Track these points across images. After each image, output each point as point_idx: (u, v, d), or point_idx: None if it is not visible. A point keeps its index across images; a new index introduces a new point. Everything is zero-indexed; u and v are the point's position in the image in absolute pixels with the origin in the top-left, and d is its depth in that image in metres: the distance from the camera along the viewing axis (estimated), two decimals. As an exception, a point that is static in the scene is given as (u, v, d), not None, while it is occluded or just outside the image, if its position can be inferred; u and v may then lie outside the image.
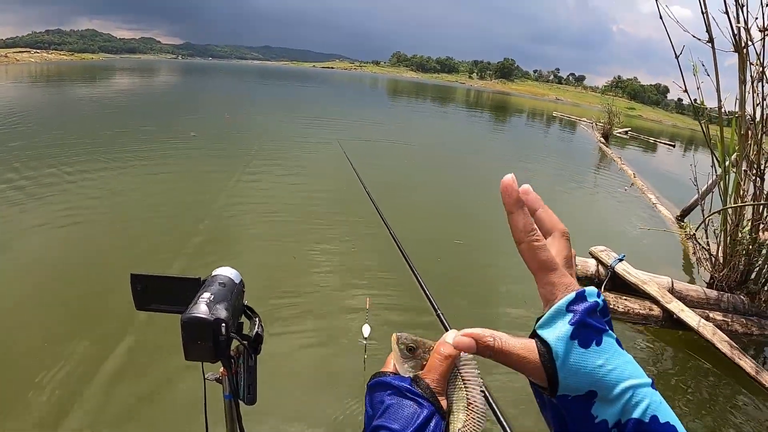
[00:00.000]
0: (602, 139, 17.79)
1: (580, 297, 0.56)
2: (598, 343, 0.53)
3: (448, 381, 0.63)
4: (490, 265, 5.90)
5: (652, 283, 4.85)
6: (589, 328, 0.54)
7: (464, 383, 0.63)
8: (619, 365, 0.52)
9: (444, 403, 0.61)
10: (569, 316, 0.55)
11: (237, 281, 1.70)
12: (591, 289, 0.57)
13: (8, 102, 16.46)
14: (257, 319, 1.72)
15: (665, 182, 11.48)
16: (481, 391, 0.62)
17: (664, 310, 4.67)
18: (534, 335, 0.58)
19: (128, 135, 11.13)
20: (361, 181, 3.19)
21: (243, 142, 11.80)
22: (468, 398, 0.62)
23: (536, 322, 0.59)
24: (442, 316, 1.84)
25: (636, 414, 0.51)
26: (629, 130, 23.11)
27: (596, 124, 20.52)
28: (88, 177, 7.63)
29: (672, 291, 4.88)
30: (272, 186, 8.11)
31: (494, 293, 5.16)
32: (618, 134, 20.98)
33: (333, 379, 3.62)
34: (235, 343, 1.74)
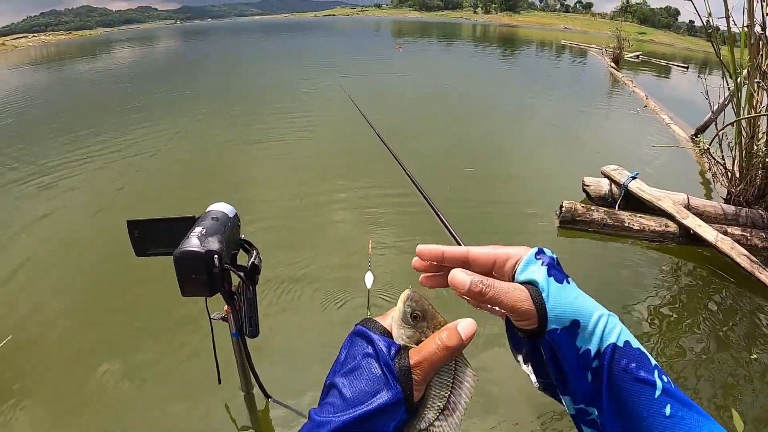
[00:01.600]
0: (613, 64, 17.29)
1: (541, 251, 0.60)
2: (568, 282, 0.58)
3: (438, 373, 0.56)
4: (503, 188, 5.81)
5: (667, 199, 4.74)
6: (557, 270, 0.58)
7: (452, 383, 0.56)
8: (589, 299, 0.58)
9: (418, 394, 0.54)
10: (539, 260, 0.59)
11: (231, 215, 1.68)
12: (545, 248, 0.61)
13: (10, 88, 16.42)
14: (255, 251, 1.71)
15: (679, 105, 11.12)
16: (467, 401, 0.55)
17: (681, 226, 4.56)
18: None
19: (129, 106, 11.11)
20: (364, 115, 3.10)
21: (248, 94, 11.81)
22: (448, 401, 0.55)
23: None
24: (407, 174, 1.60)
25: (612, 339, 0.55)
26: (640, 54, 22.49)
27: (606, 50, 20.00)
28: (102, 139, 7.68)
29: (688, 207, 4.76)
30: (280, 133, 8.06)
31: (513, 219, 5.10)
32: (629, 59, 20.43)
33: (337, 328, 3.52)
34: (236, 280, 1.75)
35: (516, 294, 0.56)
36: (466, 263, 0.62)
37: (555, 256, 0.60)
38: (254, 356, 2.05)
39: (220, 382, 2.02)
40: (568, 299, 0.56)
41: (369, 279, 3.53)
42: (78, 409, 2.75)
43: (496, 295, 0.56)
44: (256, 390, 2.22)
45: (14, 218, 5.31)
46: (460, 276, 0.57)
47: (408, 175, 2.13)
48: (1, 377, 3.05)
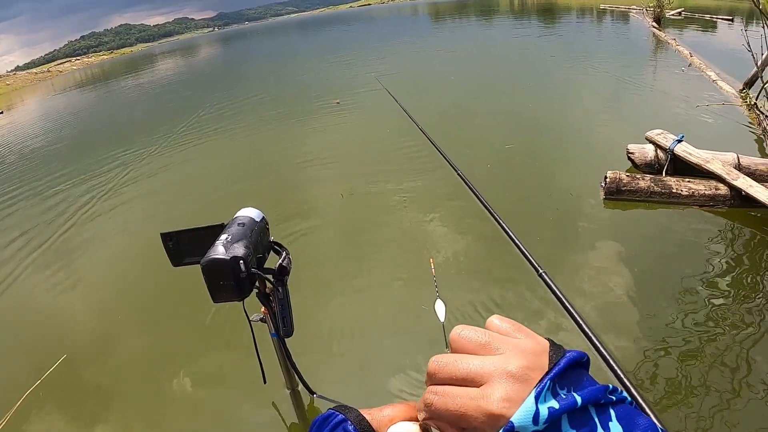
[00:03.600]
0: (654, 24, 16.68)
1: None
2: None
3: None
4: (545, 162, 5.64)
5: (716, 161, 4.52)
6: None
7: None
8: None
9: None
10: None
11: (258, 219, 1.71)
12: (522, 420, 0.41)
13: (59, 112, 17.15)
14: (284, 252, 1.74)
15: (728, 60, 10.59)
16: None
17: (731, 187, 4.33)
18: None
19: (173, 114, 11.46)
20: (405, 110, 3.11)
21: (287, 92, 12.02)
22: None
23: None
24: (546, 276, 1.30)
25: None
26: (682, 11, 21.58)
27: (646, 10, 19.31)
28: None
29: (739, 167, 4.53)
30: (322, 128, 8.15)
31: (557, 194, 4.95)
32: (671, 17, 19.66)
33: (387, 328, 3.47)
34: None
35: None
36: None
37: (539, 429, 0.41)
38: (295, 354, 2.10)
39: (265, 382, 2.07)
40: None
41: (440, 309, 2.90)
42: (134, 412, 2.89)
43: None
44: (301, 387, 2.27)
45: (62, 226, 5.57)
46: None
47: (454, 167, 2.11)
48: (67, 391, 3.21)
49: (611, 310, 3.29)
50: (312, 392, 2.23)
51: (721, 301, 3.25)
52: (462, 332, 0.49)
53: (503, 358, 0.45)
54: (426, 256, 4.01)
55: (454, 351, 0.49)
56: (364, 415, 0.54)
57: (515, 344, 0.47)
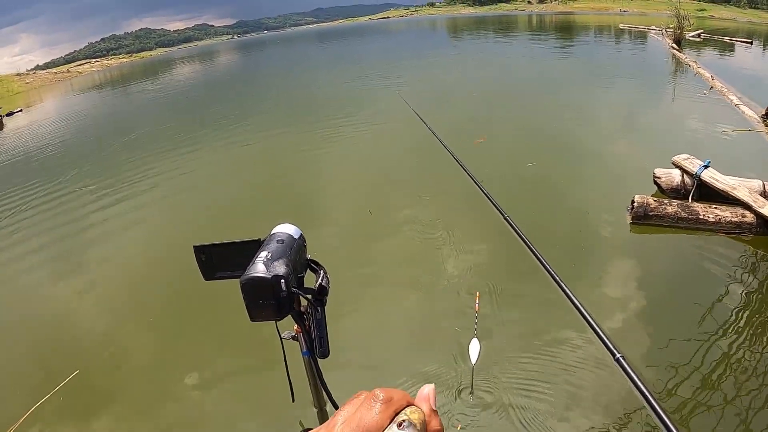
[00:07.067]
0: (674, 45, 16.66)
1: None
2: None
3: None
4: (570, 184, 5.58)
5: (742, 187, 4.47)
6: None
7: None
8: None
9: None
10: None
11: (296, 236, 1.67)
12: None
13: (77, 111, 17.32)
14: (322, 271, 1.70)
15: (747, 83, 10.54)
16: None
17: (758, 215, 4.30)
18: None
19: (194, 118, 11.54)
20: (446, 147, 3.08)
21: (312, 103, 12.08)
22: None
23: None
24: (623, 361, 1.09)
25: None
26: (702, 32, 21.54)
27: (666, 31, 19.32)
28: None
29: (765, 194, 4.48)
30: (343, 145, 8.15)
31: (583, 217, 4.87)
32: (690, 38, 19.64)
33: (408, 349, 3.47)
34: (305, 300, 1.74)
35: None
36: None
37: None
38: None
39: (293, 401, 2.03)
40: None
41: (474, 349, 2.65)
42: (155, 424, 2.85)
43: None
44: (329, 407, 2.22)
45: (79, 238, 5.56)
46: None
47: (478, 185, 2.07)
48: (81, 401, 3.18)
49: (637, 331, 3.24)
50: (340, 413, 2.19)
51: (740, 328, 3.21)
52: None
53: None
54: (445, 277, 3.98)
55: None
56: None
57: None
